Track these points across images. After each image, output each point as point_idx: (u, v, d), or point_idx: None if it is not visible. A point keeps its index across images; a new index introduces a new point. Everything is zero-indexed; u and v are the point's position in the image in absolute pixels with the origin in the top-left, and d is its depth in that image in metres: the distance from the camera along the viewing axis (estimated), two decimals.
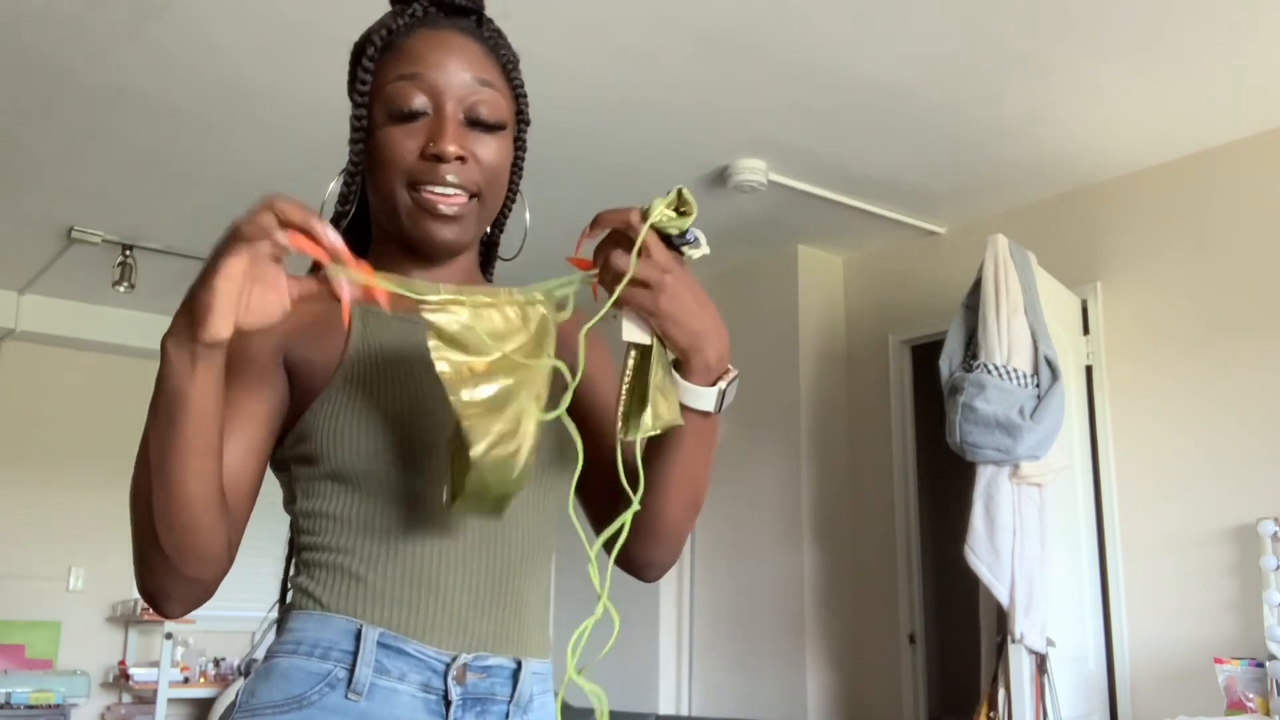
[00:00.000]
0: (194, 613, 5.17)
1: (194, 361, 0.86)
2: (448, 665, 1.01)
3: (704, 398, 1.00)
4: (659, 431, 0.97)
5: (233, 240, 0.84)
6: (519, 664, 1.05)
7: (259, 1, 3.00)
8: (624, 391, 0.98)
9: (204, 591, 0.99)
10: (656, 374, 0.97)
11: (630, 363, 0.98)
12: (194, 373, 0.86)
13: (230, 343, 0.87)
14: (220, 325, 0.83)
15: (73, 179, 4.21)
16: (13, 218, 4.60)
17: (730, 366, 1.02)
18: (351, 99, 1.11)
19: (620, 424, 0.98)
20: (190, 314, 0.84)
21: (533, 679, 1.07)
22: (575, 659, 0.93)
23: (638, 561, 1.15)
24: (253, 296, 0.85)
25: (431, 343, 0.91)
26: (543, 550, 1.11)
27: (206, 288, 0.83)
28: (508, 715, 1.04)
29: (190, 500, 0.91)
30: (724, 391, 1.01)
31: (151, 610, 1.02)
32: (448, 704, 1.00)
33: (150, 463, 0.90)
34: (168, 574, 0.96)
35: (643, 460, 1.06)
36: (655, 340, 0.97)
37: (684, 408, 1.00)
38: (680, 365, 0.99)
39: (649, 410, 0.95)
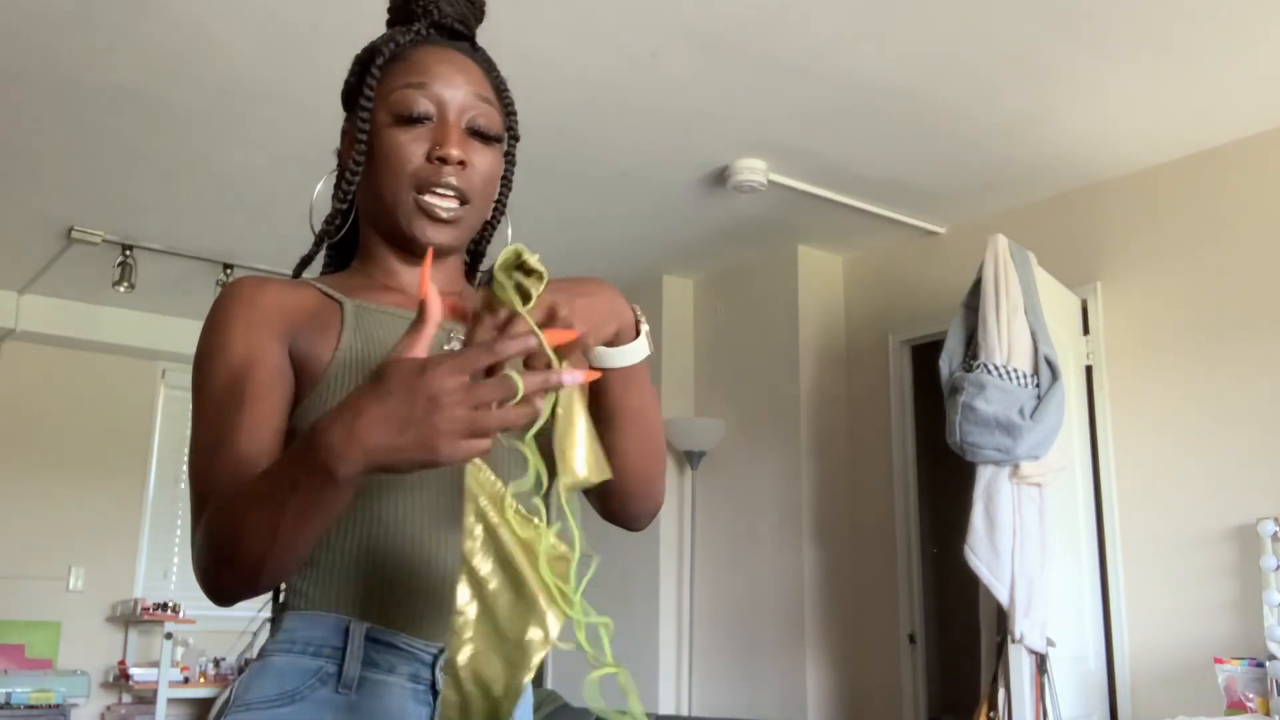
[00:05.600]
0: (194, 613, 5.13)
1: (353, 485, 0.87)
2: (435, 656, 1.06)
3: (638, 349, 1.02)
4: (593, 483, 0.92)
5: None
6: None
7: (259, 1, 3.00)
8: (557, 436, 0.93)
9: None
10: (582, 416, 0.92)
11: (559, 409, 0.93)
12: (348, 493, 0.88)
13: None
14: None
15: (73, 179, 4.21)
16: (13, 218, 4.60)
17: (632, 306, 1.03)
18: (354, 102, 1.18)
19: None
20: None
21: None
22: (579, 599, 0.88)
23: (623, 515, 1.18)
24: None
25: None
26: None
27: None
28: None
29: (299, 556, 0.94)
30: (648, 332, 1.04)
31: (215, 600, 1.01)
32: (435, 692, 1.05)
33: (273, 523, 0.90)
34: (245, 586, 0.97)
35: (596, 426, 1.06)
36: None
37: (620, 370, 1.02)
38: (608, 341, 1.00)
39: (581, 454, 0.90)
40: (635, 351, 1.02)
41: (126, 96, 3.54)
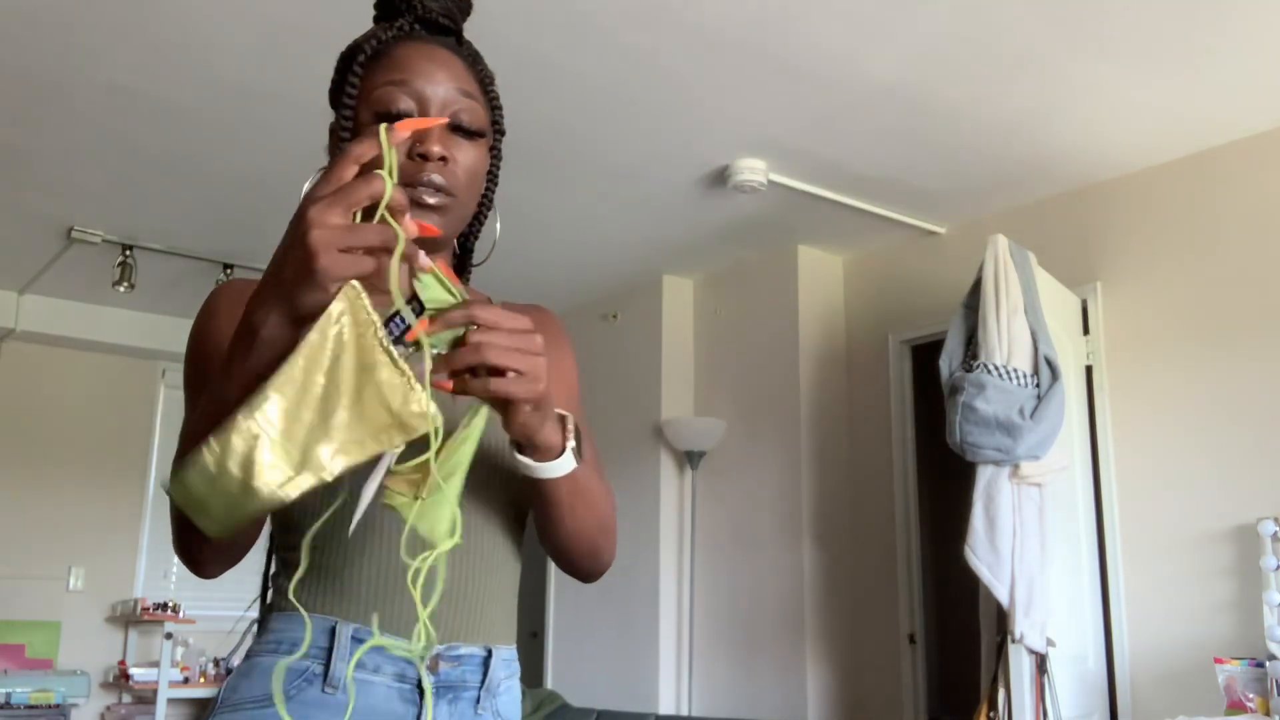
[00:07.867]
0: (194, 613, 5.14)
1: (296, 330, 0.87)
2: (421, 655, 1.06)
3: (565, 463, 1.02)
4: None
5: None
6: (489, 652, 1.11)
7: (259, 1, 3.00)
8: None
9: (242, 555, 1.05)
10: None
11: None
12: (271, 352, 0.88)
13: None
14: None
15: (73, 179, 4.21)
16: (13, 218, 4.60)
17: (561, 411, 1.03)
18: (338, 100, 1.17)
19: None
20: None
21: (501, 665, 1.13)
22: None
23: (572, 572, 1.21)
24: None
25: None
26: (507, 546, 1.18)
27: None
28: (478, 701, 1.10)
29: None
30: (578, 446, 1.03)
31: (192, 571, 1.07)
32: (421, 692, 1.06)
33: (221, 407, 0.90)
34: (226, 543, 0.99)
35: (536, 509, 1.11)
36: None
37: (549, 480, 1.02)
38: (526, 449, 1.00)
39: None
40: (560, 466, 1.01)
41: (126, 96, 3.54)
